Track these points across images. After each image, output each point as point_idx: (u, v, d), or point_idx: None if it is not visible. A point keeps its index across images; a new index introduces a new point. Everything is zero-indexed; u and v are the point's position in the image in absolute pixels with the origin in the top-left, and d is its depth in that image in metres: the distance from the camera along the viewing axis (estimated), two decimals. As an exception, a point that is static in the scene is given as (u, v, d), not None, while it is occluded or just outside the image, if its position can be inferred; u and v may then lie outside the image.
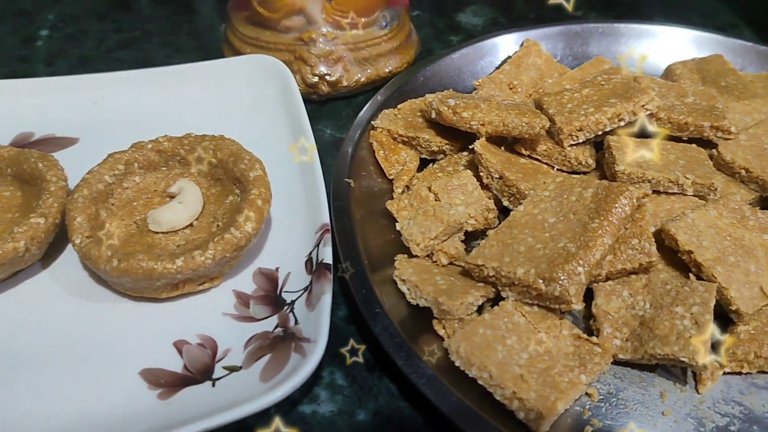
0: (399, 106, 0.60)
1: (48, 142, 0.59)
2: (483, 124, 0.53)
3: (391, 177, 0.56)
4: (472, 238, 0.52)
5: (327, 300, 0.44)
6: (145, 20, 0.77)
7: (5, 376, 0.43)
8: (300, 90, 0.62)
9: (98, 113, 0.61)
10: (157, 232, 0.49)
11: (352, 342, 0.47)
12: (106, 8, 0.80)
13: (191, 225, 0.50)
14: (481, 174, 0.53)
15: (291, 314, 0.46)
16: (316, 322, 0.43)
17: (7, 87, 0.62)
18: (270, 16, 0.64)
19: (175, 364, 0.44)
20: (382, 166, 0.56)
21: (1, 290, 0.48)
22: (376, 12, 0.64)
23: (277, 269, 0.50)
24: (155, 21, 0.77)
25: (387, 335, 0.43)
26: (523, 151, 0.55)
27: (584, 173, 0.55)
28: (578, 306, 0.43)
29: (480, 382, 0.41)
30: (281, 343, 0.44)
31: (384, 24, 0.66)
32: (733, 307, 0.44)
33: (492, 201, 0.52)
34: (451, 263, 0.49)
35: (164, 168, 0.53)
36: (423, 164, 0.58)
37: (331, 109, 0.66)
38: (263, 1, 0.63)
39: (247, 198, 0.48)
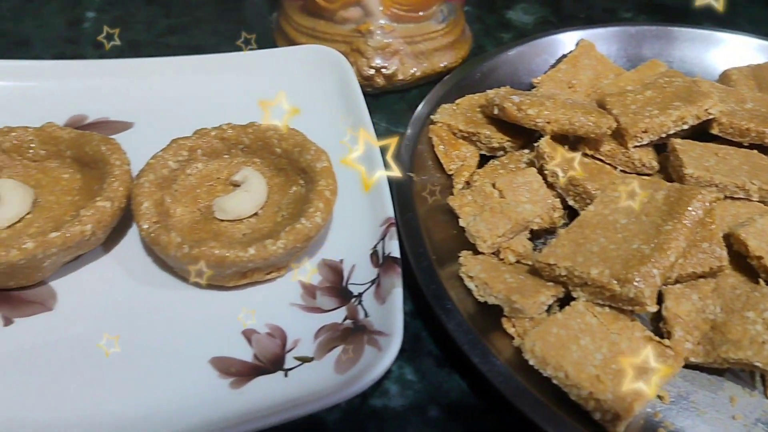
0: (457, 102, 0.60)
1: (102, 125, 0.58)
2: (549, 122, 0.52)
3: (450, 172, 0.56)
4: (534, 237, 0.52)
5: (399, 293, 0.44)
6: (194, 6, 0.77)
7: (70, 361, 0.43)
8: (356, 82, 0.61)
9: (152, 98, 0.61)
10: (222, 220, 0.49)
11: (421, 337, 0.46)
12: (153, -8, 0.79)
13: (256, 214, 0.50)
14: (546, 172, 0.52)
15: (360, 306, 0.46)
16: (390, 316, 0.42)
17: (60, 68, 0.61)
18: (327, 6, 0.63)
19: (244, 353, 0.43)
20: (442, 161, 0.56)
21: (65, 273, 0.47)
22: (434, 6, 0.64)
23: (341, 261, 0.49)
24: (204, 7, 0.76)
25: (461, 332, 0.43)
26: (587, 151, 0.54)
27: (647, 175, 0.54)
28: (653, 308, 0.43)
29: (555, 381, 0.41)
30: (352, 335, 0.44)
31: (441, 18, 0.65)
32: (805, 314, 0.44)
33: (558, 200, 0.51)
34: (518, 261, 0.49)
35: (227, 156, 0.53)
36: (482, 160, 0.57)
37: (385, 103, 0.66)
38: (320, -10, 0.62)
39: (316, 189, 0.48)
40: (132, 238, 0.50)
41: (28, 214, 0.48)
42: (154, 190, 0.47)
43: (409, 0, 0.63)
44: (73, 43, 0.71)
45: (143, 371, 0.42)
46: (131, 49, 0.71)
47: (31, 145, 0.51)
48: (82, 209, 0.45)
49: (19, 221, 0.48)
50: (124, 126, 0.58)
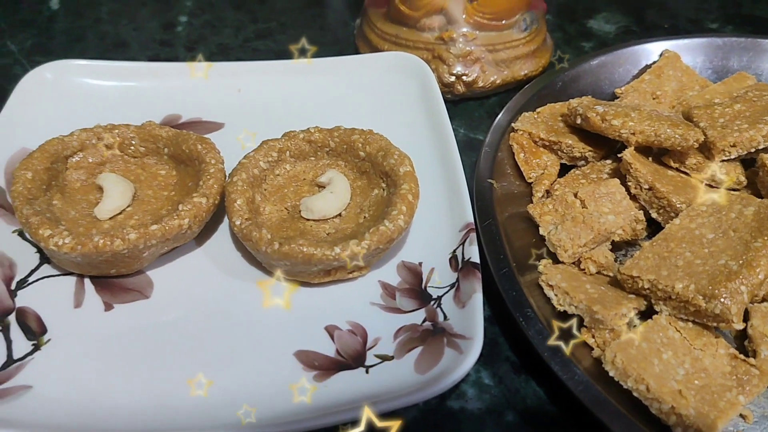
0: (538, 110, 0.60)
1: (195, 125, 0.61)
2: (634, 133, 0.52)
3: (530, 180, 0.56)
4: (614, 248, 0.52)
5: (479, 298, 0.44)
6: (279, 12, 0.79)
7: (164, 345, 0.45)
8: (437, 89, 0.62)
9: (241, 100, 0.63)
10: (308, 219, 0.51)
11: (498, 343, 0.47)
12: (241, -2, 0.83)
13: (340, 215, 0.51)
14: (629, 184, 0.52)
15: (439, 309, 0.47)
16: (470, 320, 0.43)
17: (156, 69, 0.64)
18: (411, 14, 0.65)
19: (327, 348, 0.45)
20: (522, 169, 0.56)
21: (161, 264, 0.50)
22: (517, 14, 0.64)
23: (420, 264, 0.50)
24: (289, 13, 0.79)
25: (541, 339, 0.43)
26: (672, 164, 0.54)
27: (734, 190, 0.53)
28: (739, 326, 0.42)
29: (635, 394, 0.41)
30: (432, 337, 0.45)
31: (524, 27, 0.66)
32: None
33: (641, 212, 0.51)
34: (598, 272, 0.49)
35: (313, 158, 0.55)
36: (562, 169, 0.57)
37: (464, 109, 0.67)
38: (405, -2, 0.64)
39: (399, 192, 0.49)
40: (222, 233, 0.53)
41: (128, 206, 0.52)
42: (246, 189, 0.50)
43: (492, 8, 0.63)
44: (168, 46, 0.75)
45: (232, 359, 0.45)
46: (221, 52, 0.74)
47: (132, 142, 0.55)
48: (180, 204, 0.48)
49: (119, 213, 0.51)
50: (215, 126, 0.61)
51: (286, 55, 0.72)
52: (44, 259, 0.51)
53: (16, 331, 0.46)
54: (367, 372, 0.43)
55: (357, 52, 0.71)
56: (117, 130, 0.55)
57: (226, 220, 0.53)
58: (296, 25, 0.77)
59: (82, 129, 0.54)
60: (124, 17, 0.80)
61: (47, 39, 0.77)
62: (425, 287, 0.49)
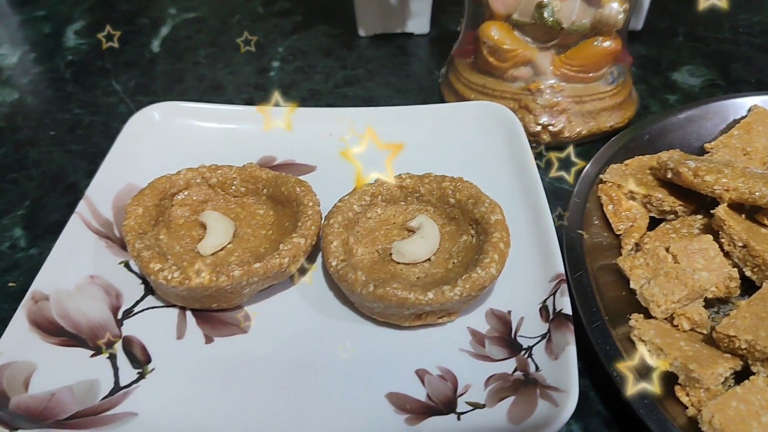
0: (626, 162, 0.60)
1: (289, 167, 0.64)
2: (727, 190, 0.52)
3: (618, 232, 0.56)
4: (706, 305, 0.51)
5: (572, 351, 0.45)
6: (366, 60, 0.83)
7: (259, 380, 0.47)
8: (522, 138, 0.64)
9: (332, 144, 0.66)
10: (398, 263, 0.52)
11: (589, 396, 0.47)
12: (330, 45, 0.86)
13: (429, 259, 0.53)
14: (722, 240, 0.52)
15: (530, 360, 0.47)
16: (564, 373, 0.43)
17: (254, 113, 0.68)
18: (498, 65, 0.66)
19: (418, 391, 0.46)
20: (610, 221, 0.57)
21: (258, 300, 0.52)
22: (604, 68, 0.65)
23: (509, 312, 0.51)
24: (376, 61, 0.82)
25: (636, 396, 0.43)
26: (766, 222, 0.53)
27: (833, 251, 0.52)
28: (844, 393, 0.41)
29: (734, 457, 0.40)
30: (524, 387, 0.45)
31: (611, 80, 0.66)
32: None
33: (735, 269, 0.51)
34: (692, 329, 0.48)
35: (403, 203, 0.57)
36: (650, 223, 0.57)
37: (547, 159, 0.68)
38: (493, 50, 0.66)
39: (490, 240, 0.50)
40: (315, 273, 0.55)
41: (228, 243, 0.54)
42: (341, 231, 0.52)
43: (580, 61, 0.65)
44: (261, 90, 0.79)
45: (325, 396, 0.46)
46: (312, 97, 0.77)
47: (234, 182, 0.58)
48: (281, 244, 0.50)
49: (221, 249, 0.54)
50: (307, 169, 0.64)
51: (373, 101, 0.75)
52: (148, 290, 0.53)
53: (122, 359, 0.49)
54: (459, 419, 0.44)
55: (442, 100, 0.73)
56: (220, 171, 0.58)
57: (318, 258, 0.56)
58: (382, 73, 0.80)
59: (188, 168, 0.58)
60: (220, 61, 0.84)
61: (149, 80, 0.82)
62: (515, 336, 0.49)
